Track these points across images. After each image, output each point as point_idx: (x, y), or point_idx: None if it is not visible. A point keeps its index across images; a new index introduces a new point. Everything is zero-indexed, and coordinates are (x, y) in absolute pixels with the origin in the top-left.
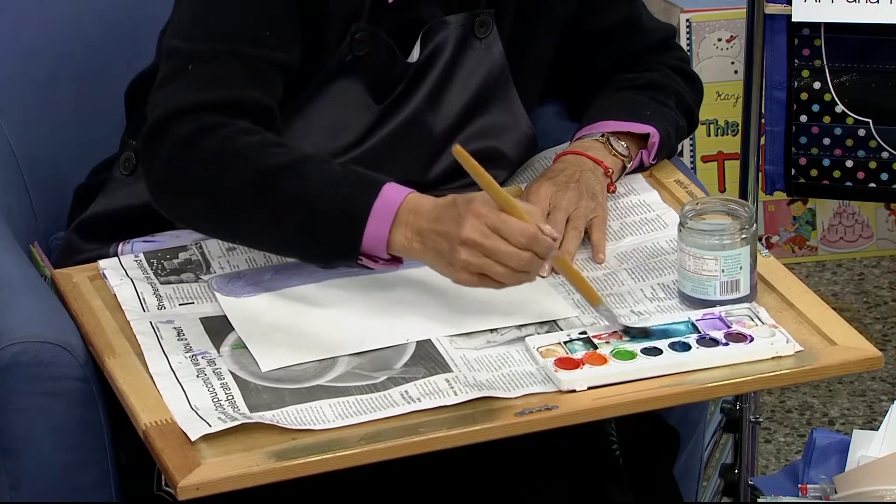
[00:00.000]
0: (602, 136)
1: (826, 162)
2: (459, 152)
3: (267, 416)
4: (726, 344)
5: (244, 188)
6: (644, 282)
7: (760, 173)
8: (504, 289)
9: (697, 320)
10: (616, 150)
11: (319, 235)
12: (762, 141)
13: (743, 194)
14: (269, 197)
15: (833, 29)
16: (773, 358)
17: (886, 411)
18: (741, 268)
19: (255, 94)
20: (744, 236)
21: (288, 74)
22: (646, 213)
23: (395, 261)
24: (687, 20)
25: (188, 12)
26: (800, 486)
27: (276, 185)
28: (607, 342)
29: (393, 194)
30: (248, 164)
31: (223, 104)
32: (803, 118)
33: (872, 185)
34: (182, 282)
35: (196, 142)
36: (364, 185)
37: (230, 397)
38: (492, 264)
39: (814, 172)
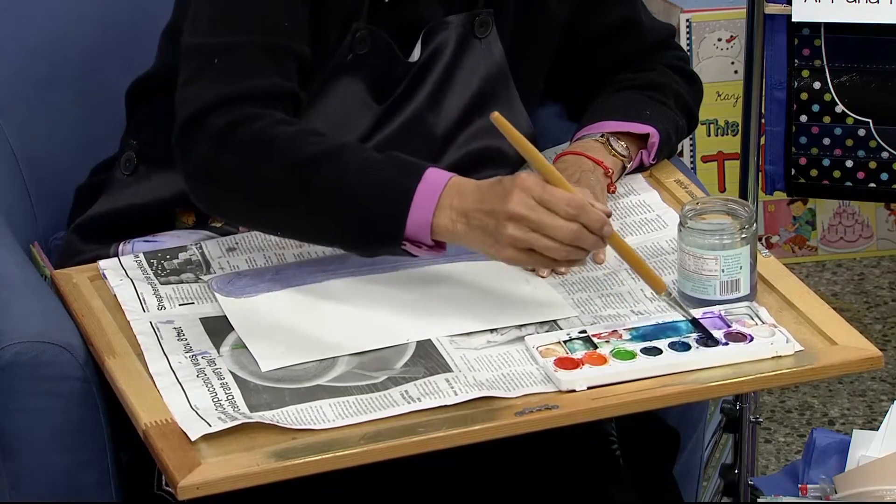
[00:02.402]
0: (602, 136)
1: (826, 162)
2: (497, 118)
3: (267, 416)
4: (726, 343)
5: (283, 178)
6: (644, 282)
7: (760, 173)
8: (502, 288)
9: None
10: (616, 151)
11: (362, 223)
12: (762, 141)
13: (743, 194)
14: (309, 186)
15: (833, 29)
16: (773, 357)
17: (886, 411)
18: (741, 267)
19: (281, 82)
20: (744, 236)
21: (303, 66)
22: (646, 214)
23: (439, 247)
24: (687, 20)
25: (205, 10)
26: (800, 486)
27: (316, 174)
28: (607, 342)
29: (436, 178)
30: (287, 154)
31: (254, 95)
32: (803, 118)
33: (872, 185)
34: (182, 282)
35: (232, 134)
36: (406, 170)
37: (230, 397)
38: (539, 238)
39: (814, 172)
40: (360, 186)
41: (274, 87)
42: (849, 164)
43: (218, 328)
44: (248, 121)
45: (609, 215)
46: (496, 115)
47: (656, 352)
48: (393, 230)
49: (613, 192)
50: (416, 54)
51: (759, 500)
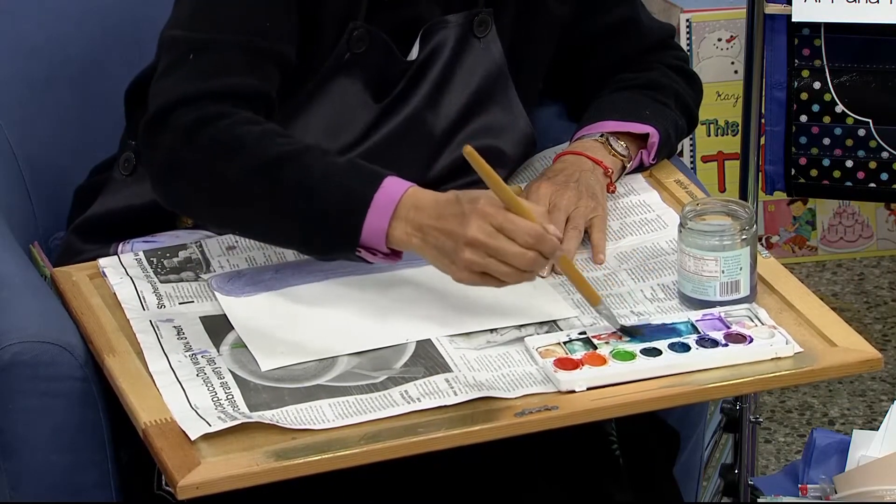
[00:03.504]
0: (601, 136)
1: (826, 162)
2: (470, 153)
3: (267, 416)
4: (726, 345)
5: (245, 177)
6: (644, 282)
7: (760, 173)
8: (503, 288)
9: (697, 321)
10: (615, 150)
11: (319, 226)
12: (762, 141)
13: (743, 194)
14: (270, 186)
15: (833, 29)
16: (772, 359)
17: (886, 411)
18: (741, 268)
19: (255, 83)
20: (744, 237)
21: (285, 69)
22: (646, 214)
23: (395, 255)
24: (687, 20)
25: (188, 3)
26: (800, 486)
27: (277, 175)
28: (607, 342)
29: (394, 187)
30: (250, 153)
31: (224, 93)
32: (803, 118)
33: (872, 185)
34: (182, 280)
35: (198, 131)
36: (366, 178)
37: (230, 396)
38: (496, 264)
39: (814, 172)
40: (319, 190)
41: (246, 88)
42: (849, 164)
43: (218, 327)
44: (215, 119)
45: (561, 240)
46: (469, 151)
47: (656, 353)
48: (348, 237)
49: (613, 191)
50: (414, 53)
51: (759, 500)
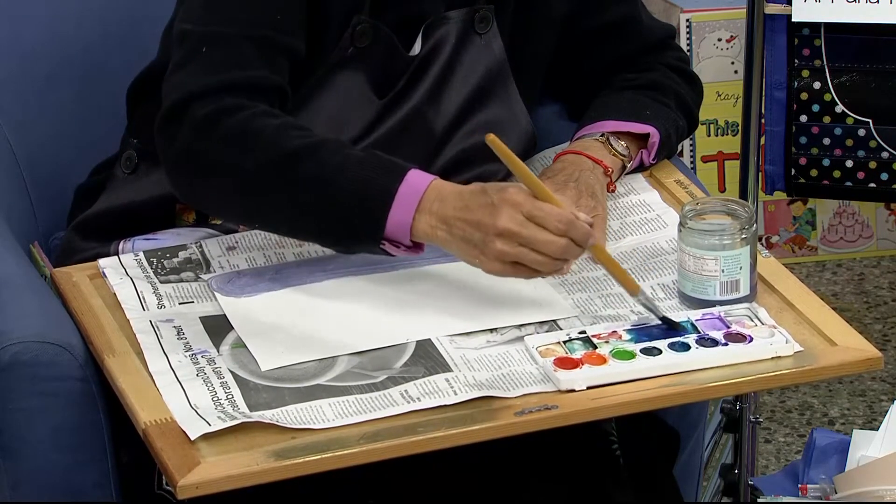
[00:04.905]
0: (602, 135)
1: (826, 162)
2: (493, 140)
3: (266, 416)
4: (725, 344)
5: (264, 170)
6: (644, 282)
7: (760, 173)
8: (503, 288)
9: (697, 320)
10: (616, 150)
11: (341, 219)
12: (762, 141)
13: (743, 194)
14: (290, 179)
15: (833, 29)
16: (772, 358)
17: (886, 411)
18: (741, 268)
19: (269, 75)
20: (744, 236)
21: (295, 61)
22: (646, 213)
23: (417, 247)
24: (687, 20)
25: None
26: (800, 486)
27: (297, 168)
28: (607, 342)
29: (417, 180)
30: (269, 146)
31: (240, 86)
32: (803, 118)
33: (872, 185)
34: (182, 281)
35: (215, 124)
36: (388, 170)
37: (230, 396)
38: (528, 253)
39: (814, 172)
40: (340, 184)
41: (261, 80)
42: (849, 164)
43: (218, 327)
44: (231, 111)
45: (592, 225)
46: (492, 138)
47: (656, 352)
48: (372, 230)
49: (613, 191)
50: (416, 48)
51: (759, 500)
